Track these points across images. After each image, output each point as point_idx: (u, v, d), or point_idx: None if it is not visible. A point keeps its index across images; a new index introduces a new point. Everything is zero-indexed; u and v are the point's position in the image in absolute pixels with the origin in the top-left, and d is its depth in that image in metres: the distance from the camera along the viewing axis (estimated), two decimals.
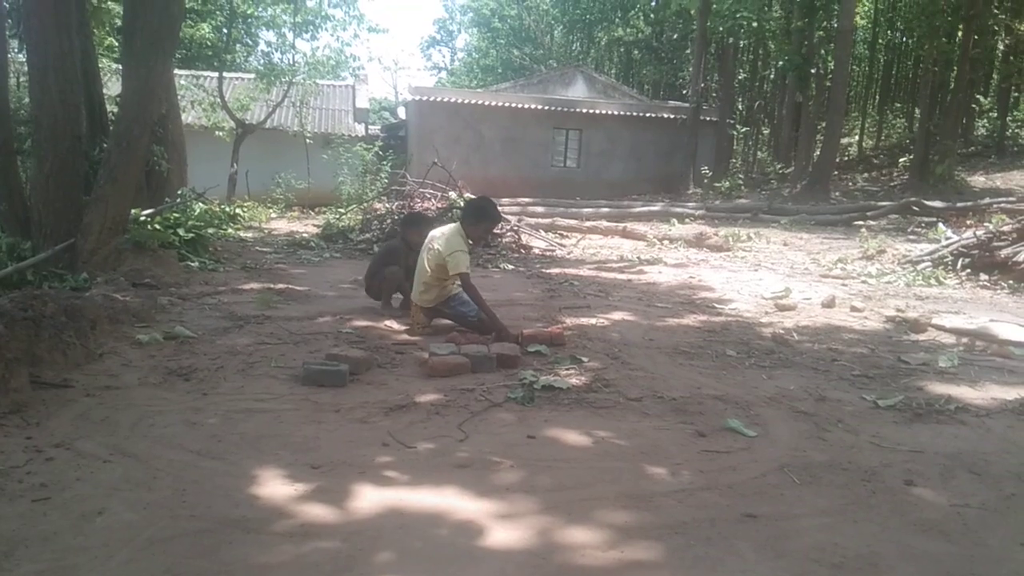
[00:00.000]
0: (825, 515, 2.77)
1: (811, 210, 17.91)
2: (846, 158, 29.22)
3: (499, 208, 6.12)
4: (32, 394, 3.66)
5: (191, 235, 8.98)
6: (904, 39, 32.35)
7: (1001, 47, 25.69)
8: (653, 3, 37.24)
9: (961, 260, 9.67)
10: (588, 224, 16.11)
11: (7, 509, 2.55)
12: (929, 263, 9.96)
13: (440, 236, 5.63)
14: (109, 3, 13.24)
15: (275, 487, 2.83)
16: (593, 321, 6.28)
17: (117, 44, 15.79)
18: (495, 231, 11.73)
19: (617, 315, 6.58)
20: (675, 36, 36.30)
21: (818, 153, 24.16)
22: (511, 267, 10.11)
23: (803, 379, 4.64)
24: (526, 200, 19.67)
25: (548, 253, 12.06)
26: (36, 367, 3.94)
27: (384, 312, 6.37)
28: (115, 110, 8.61)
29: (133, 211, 8.12)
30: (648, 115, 25.19)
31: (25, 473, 2.83)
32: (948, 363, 5.05)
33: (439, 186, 13.02)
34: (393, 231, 11.19)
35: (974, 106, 26.36)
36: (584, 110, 24.36)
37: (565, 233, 15.15)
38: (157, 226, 8.28)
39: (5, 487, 2.71)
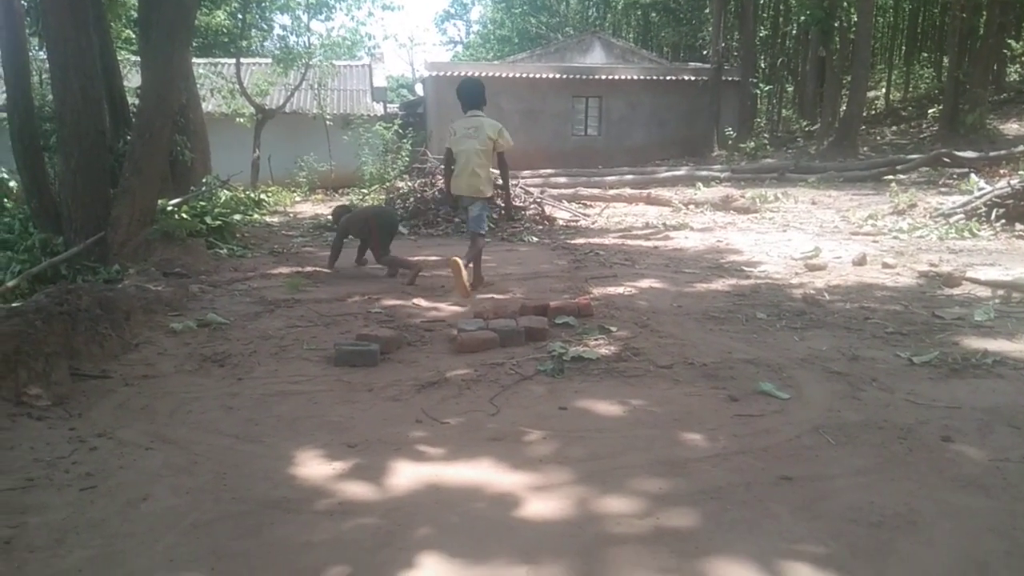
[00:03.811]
0: (861, 475, 2.76)
1: (839, 167, 17.59)
2: (873, 112, 28.58)
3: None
4: (73, 386, 3.75)
5: (218, 223, 9.07)
6: None
7: None
8: None
9: (995, 211, 9.46)
10: (612, 192, 15.98)
11: (56, 498, 2.62)
12: (962, 215, 9.76)
13: (478, 124, 6.26)
14: None
15: (313, 467, 2.88)
16: (620, 290, 6.26)
17: (134, 36, 15.90)
18: (519, 204, 11.78)
19: (644, 283, 6.55)
20: None
21: (844, 108, 23.67)
22: (535, 240, 10.08)
23: (835, 339, 4.60)
24: (548, 171, 19.55)
25: (572, 224, 12.00)
26: (75, 359, 4.03)
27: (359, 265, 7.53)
28: (136, 102, 8.68)
29: (160, 202, 8.21)
30: (668, 78, 24.81)
31: (71, 463, 2.91)
32: (984, 316, 4.97)
33: None
34: (417, 209, 11.34)
35: (1005, 51, 25.50)
36: (603, 77, 24.06)
37: (589, 203, 15.04)
38: (184, 215, 8.37)
39: (53, 477, 2.79)
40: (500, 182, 6.74)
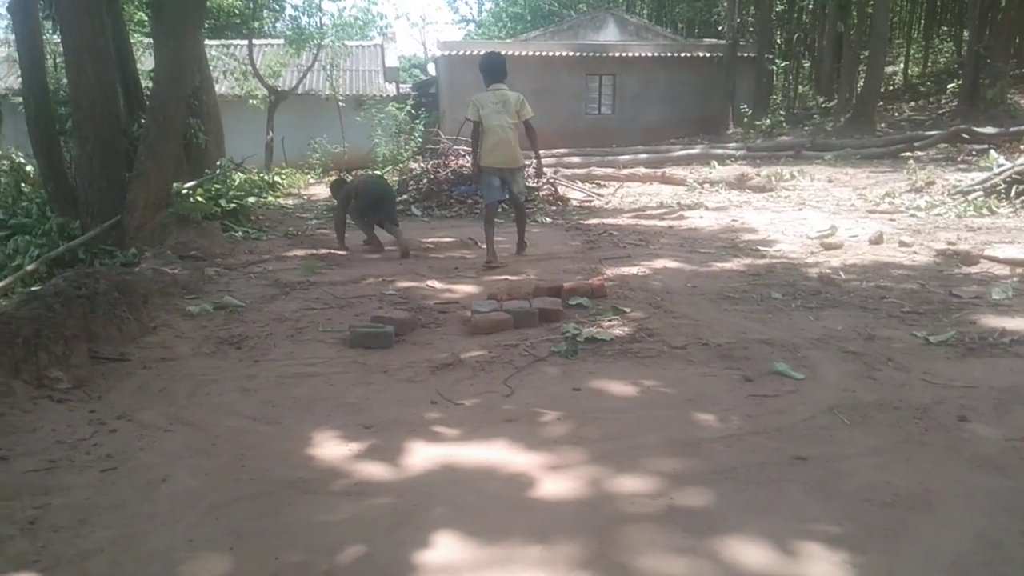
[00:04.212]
0: (876, 454, 2.75)
1: (856, 144, 17.37)
2: (891, 87, 28.16)
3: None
4: (92, 369, 3.80)
5: (233, 205, 9.11)
6: None
7: None
8: None
9: (1015, 187, 9.32)
10: (626, 172, 15.88)
11: (78, 480, 2.67)
12: (981, 192, 9.63)
13: (504, 98, 6.62)
14: None
15: (330, 448, 2.91)
16: (634, 270, 6.24)
17: (147, 18, 15.90)
18: (531, 185, 11.75)
19: (658, 263, 6.54)
20: None
21: (862, 84, 23.35)
22: (549, 220, 10.07)
23: (851, 318, 4.57)
24: (561, 151, 19.42)
25: (586, 204, 11.96)
26: (94, 342, 4.08)
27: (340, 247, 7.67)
28: (150, 85, 8.70)
29: (175, 185, 8.25)
30: (683, 55, 24.54)
31: (92, 445, 2.96)
32: (1002, 295, 4.92)
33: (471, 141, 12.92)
34: (431, 190, 11.35)
35: None
36: (617, 54, 23.83)
37: (602, 182, 14.97)
38: (199, 198, 8.41)
39: (75, 459, 2.83)
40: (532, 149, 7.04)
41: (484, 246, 6.87)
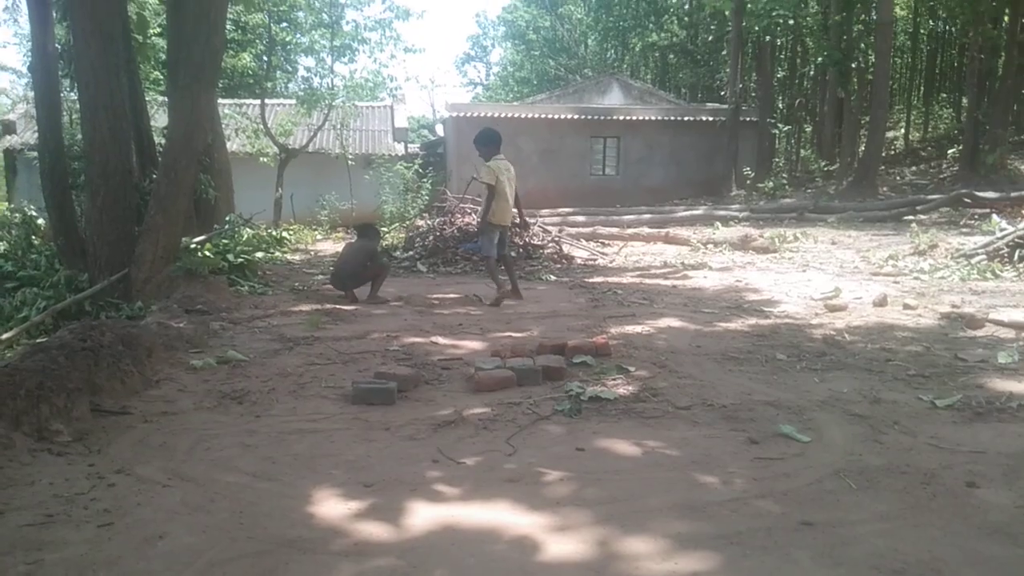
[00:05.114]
0: (884, 520, 2.71)
1: (859, 207, 17.53)
2: (892, 152, 28.53)
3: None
4: (93, 422, 3.78)
5: (240, 260, 9.17)
6: (947, 27, 31.53)
7: None
8: (687, 6, 36.98)
9: (1018, 251, 9.38)
10: (630, 231, 16.02)
11: (74, 535, 2.63)
12: (984, 256, 9.68)
13: (509, 167, 7.72)
14: (154, 39, 13.66)
15: (330, 506, 2.88)
16: (638, 329, 6.24)
17: (162, 77, 16.28)
18: (537, 243, 11.88)
19: (663, 322, 6.54)
20: (710, 38, 35.94)
21: (863, 148, 23.67)
22: (554, 278, 10.11)
23: (856, 381, 4.55)
24: (566, 210, 19.64)
25: (590, 262, 12.03)
26: (96, 395, 4.07)
27: (346, 300, 7.90)
28: (163, 142, 8.87)
29: (183, 239, 8.33)
30: (686, 119, 24.98)
31: (89, 499, 2.92)
32: (1008, 359, 4.90)
33: (479, 200, 13.07)
34: (436, 247, 11.41)
35: None
36: (621, 117, 24.27)
37: (607, 241, 15.08)
38: (207, 253, 8.48)
39: (72, 513, 2.80)
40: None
41: (488, 303, 7.58)
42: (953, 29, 30.71)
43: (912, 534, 2.60)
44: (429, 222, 13.07)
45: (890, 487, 2.99)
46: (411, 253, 11.80)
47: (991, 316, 6.18)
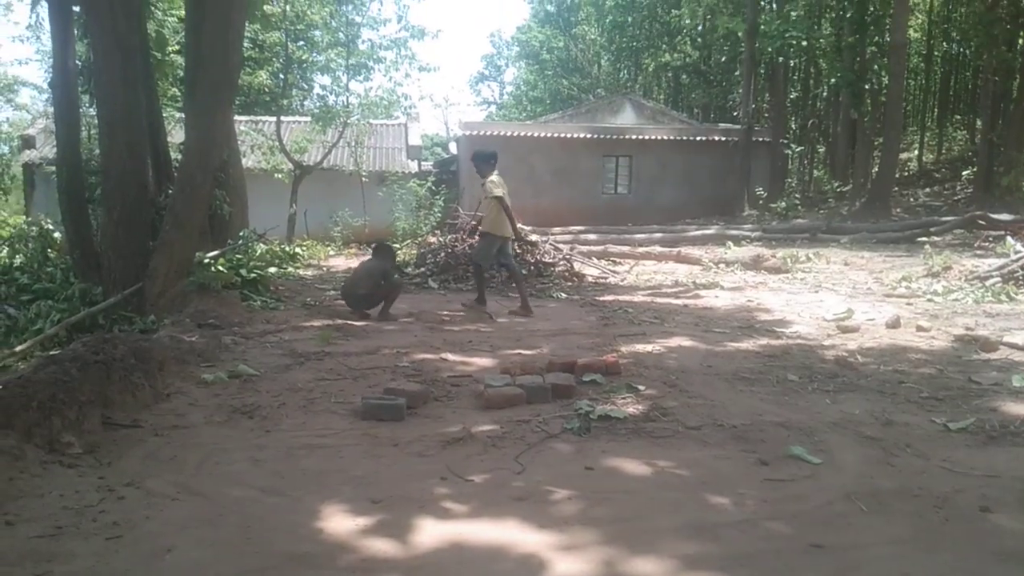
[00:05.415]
0: (896, 544, 2.68)
1: (872, 228, 17.47)
2: (906, 173, 28.48)
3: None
4: (104, 435, 3.80)
5: (253, 275, 9.22)
6: (961, 49, 31.53)
7: None
8: (700, 27, 37.17)
9: None
10: (641, 250, 16.00)
11: (83, 547, 2.64)
12: (998, 278, 9.61)
13: (504, 182, 8.02)
14: (172, 56, 13.84)
15: (337, 522, 2.87)
16: (649, 348, 6.22)
17: (180, 94, 16.48)
18: (548, 261, 11.89)
19: (673, 341, 6.51)
20: (723, 59, 36.11)
21: (876, 170, 23.63)
22: (564, 296, 10.10)
23: (869, 403, 4.51)
24: (578, 228, 19.66)
25: (601, 280, 12.01)
26: (108, 408, 4.09)
27: (356, 316, 7.88)
28: (179, 158, 8.97)
29: (197, 254, 8.40)
30: (699, 139, 25.03)
31: (99, 512, 2.93)
32: (1022, 382, 4.85)
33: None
34: (448, 264, 11.44)
35: None
36: (633, 136, 24.35)
37: (618, 260, 15.06)
38: (221, 268, 8.54)
39: (80, 526, 2.81)
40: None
41: (500, 320, 7.69)
42: (967, 51, 30.70)
43: (924, 559, 2.57)
44: (441, 239, 13.12)
45: (902, 511, 2.96)
46: (422, 269, 11.82)
47: (1005, 339, 6.13)
